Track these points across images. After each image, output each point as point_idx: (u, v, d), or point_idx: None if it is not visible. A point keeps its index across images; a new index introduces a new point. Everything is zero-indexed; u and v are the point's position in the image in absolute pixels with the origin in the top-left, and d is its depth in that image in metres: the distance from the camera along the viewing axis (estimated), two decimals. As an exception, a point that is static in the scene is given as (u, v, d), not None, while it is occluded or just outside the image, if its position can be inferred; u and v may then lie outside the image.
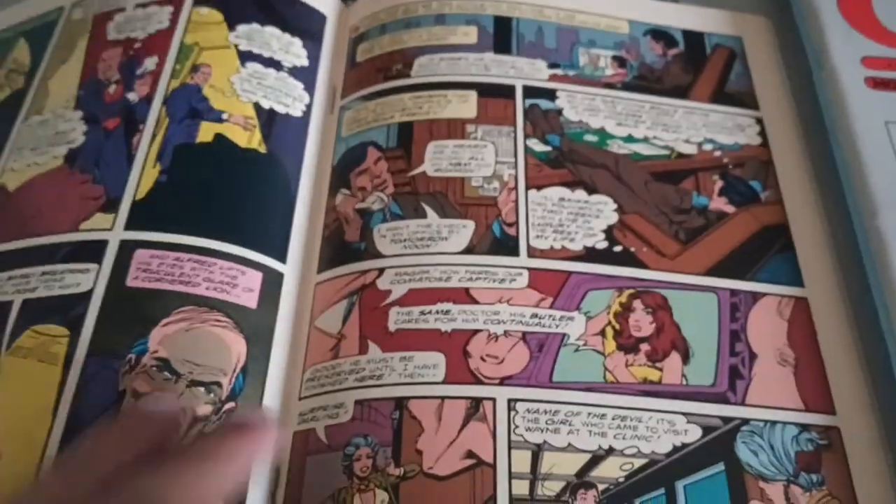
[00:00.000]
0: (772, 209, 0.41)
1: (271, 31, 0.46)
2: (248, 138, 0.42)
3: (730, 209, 0.41)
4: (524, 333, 0.36)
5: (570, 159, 0.42)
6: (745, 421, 0.35)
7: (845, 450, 0.34)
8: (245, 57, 0.45)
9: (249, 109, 0.43)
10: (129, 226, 0.38)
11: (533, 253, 0.38)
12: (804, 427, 0.35)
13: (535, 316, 0.37)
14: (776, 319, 0.38)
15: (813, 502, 0.33)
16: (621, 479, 0.33)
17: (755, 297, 0.38)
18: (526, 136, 0.42)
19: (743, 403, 0.35)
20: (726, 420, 0.35)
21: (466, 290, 0.37)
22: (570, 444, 0.33)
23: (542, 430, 0.34)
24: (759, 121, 0.45)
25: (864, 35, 0.45)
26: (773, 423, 0.35)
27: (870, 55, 0.44)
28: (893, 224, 0.38)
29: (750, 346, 0.37)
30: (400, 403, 0.34)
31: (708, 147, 0.43)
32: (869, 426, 0.35)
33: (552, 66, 0.45)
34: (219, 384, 0.35)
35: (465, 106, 0.43)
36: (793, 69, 0.47)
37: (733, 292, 0.38)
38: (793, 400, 0.36)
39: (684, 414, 0.35)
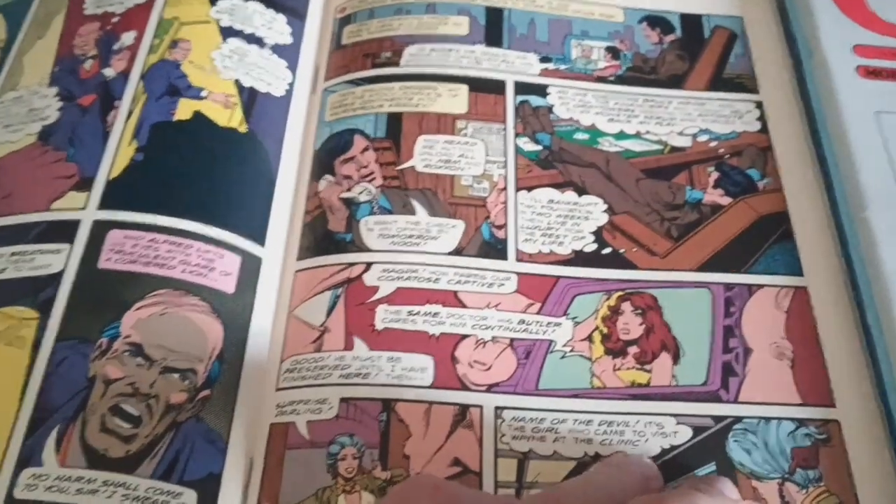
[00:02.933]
0: (770, 197, 0.41)
1: (254, 6, 0.45)
2: (229, 116, 0.41)
3: (725, 201, 0.40)
4: (512, 340, 0.36)
5: (560, 159, 0.42)
6: (738, 419, 0.34)
7: (845, 444, 0.34)
8: (227, 33, 0.43)
9: (230, 87, 0.41)
10: (103, 205, 0.37)
11: (521, 257, 0.38)
12: (801, 422, 0.34)
13: (522, 322, 0.37)
14: (773, 311, 0.37)
15: (809, 500, 0.33)
16: (607, 485, 0.33)
17: (751, 289, 0.38)
18: (516, 135, 0.42)
19: (736, 401, 0.35)
20: (718, 419, 0.34)
21: (455, 293, 0.37)
22: (555, 452, 0.33)
23: (528, 439, 0.34)
24: (759, 105, 0.44)
25: (855, 22, 0.43)
26: (768, 419, 0.34)
27: (861, 43, 0.43)
28: (882, 216, 0.37)
29: (745, 341, 0.36)
30: (387, 405, 0.34)
31: (703, 138, 0.42)
32: (871, 418, 0.35)
33: (544, 60, 0.45)
34: (194, 371, 0.34)
35: (455, 101, 0.43)
36: (791, 54, 0.45)
37: (728, 286, 0.38)
38: (789, 394, 0.35)
39: (674, 415, 0.34)
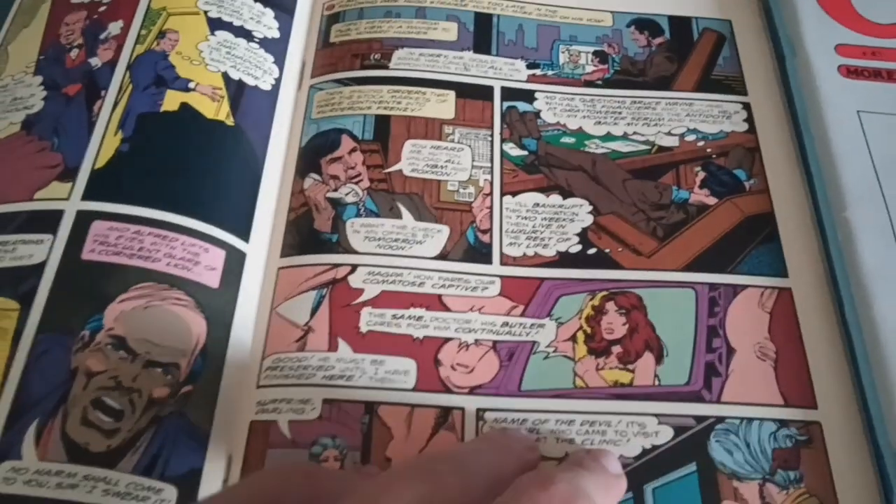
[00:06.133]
0: (757, 198, 0.41)
1: None
2: (216, 109, 0.40)
3: (711, 201, 0.41)
4: (494, 342, 0.36)
5: (546, 163, 0.42)
6: (721, 419, 0.35)
7: (826, 445, 0.34)
8: (215, 24, 0.43)
9: (218, 79, 0.41)
10: (87, 196, 0.36)
11: (506, 261, 0.39)
12: (783, 423, 0.35)
13: (505, 324, 0.37)
14: (757, 312, 0.37)
15: (790, 501, 0.33)
16: (588, 485, 0.33)
17: (736, 290, 0.38)
18: (503, 141, 0.42)
19: (719, 401, 0.35)
20: (700, 419, 0.35)
21: (439, 296, 0.38)
22: (536, 452, 0.34)
23: (510, 439, 0.34)
24: (747, 106, 0.44)
25: (838, 22, 0.44)
26: (750, 420, 0.35)
27: (844, 43, 0.43)
28: (863, 215, 0.37)
29: (728, 341, 0.37)
30: (370, 407, 0.34)
31: (690, 138, 0.43)
32: (852, 420, 0.35)
33: (531, 66, 0.45)
34: (177, 365, 0.33)
35: (443, 106, 0.43)
36: (776, 55, 0.46)
37: (713, 286, 0.38)
38: (772, 395, 0.35)
39: (656, 415, 0.35)
